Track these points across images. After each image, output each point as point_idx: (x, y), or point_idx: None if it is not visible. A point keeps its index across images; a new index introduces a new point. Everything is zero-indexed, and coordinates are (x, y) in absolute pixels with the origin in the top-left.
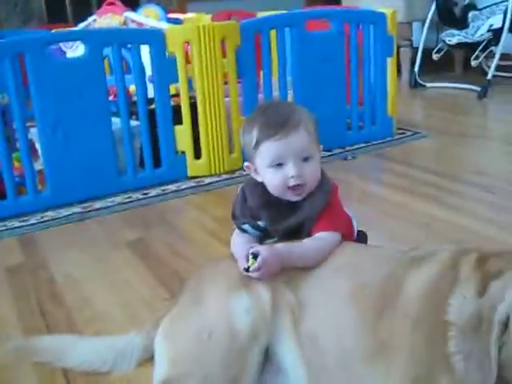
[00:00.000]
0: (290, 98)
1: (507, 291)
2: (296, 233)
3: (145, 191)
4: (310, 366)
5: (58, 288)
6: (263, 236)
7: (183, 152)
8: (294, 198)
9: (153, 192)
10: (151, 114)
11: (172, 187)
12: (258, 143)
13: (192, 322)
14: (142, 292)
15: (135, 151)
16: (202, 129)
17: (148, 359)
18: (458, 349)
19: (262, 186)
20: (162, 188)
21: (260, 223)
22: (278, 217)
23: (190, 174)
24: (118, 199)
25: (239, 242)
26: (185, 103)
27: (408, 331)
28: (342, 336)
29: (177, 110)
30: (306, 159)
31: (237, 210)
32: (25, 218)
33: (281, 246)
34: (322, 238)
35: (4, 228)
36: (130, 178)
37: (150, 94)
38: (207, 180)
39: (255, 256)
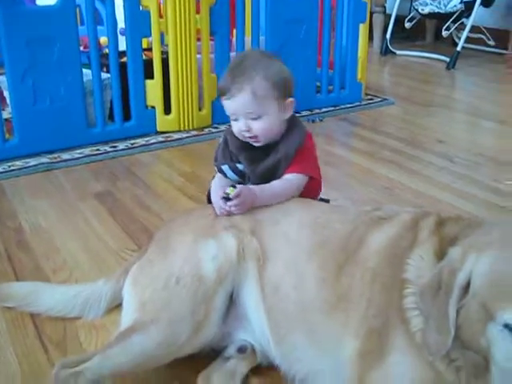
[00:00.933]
0: None
1: (466, 258)
2: (271, 175)
3: (113, 144)
4: (271, 314)
5: (26, 236)
6: (241, 182)
7: (153, 107)
8: (255, 144)
9: (121, 145)
10: (122, 67)
11: (141, 141)
12: (219, 95)
13: (160, 269)
14: (109, 242)
15: (105, 104)
16: (172, 84)
17: (115, 307)
18: (414, 306)
19: None
20: (131, 142)
21: (239, 166)
22: (256, 159)
23: (159, 128)
24: (86, 151)
25: (218, 185)
26: (157, 58)
27: (367, 285)
28: (303, 287)
29: (148, 65)
30: (254, 118)
31: (218, 153)
32: None
33: (253, 186)
34: (290, 179)
35: None
36: (98, 130)
37: (121, 46)
38: (176, 136)
39: (233, 186)
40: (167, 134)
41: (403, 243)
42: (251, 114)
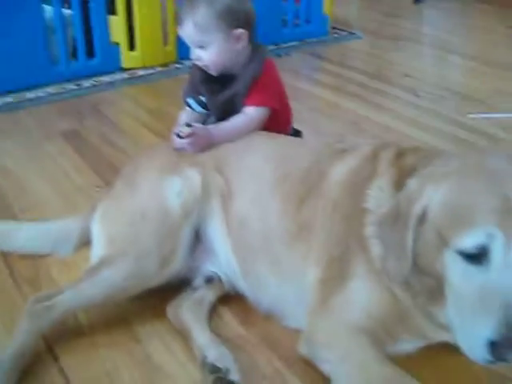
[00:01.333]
0: None
1: (424, 188)
2: (230, 107)
3: (78, 82)
4: (237, 247)
5: None
6: (206, 115)
7: (117, 43)
8: (211, 73)
9: (86, 83)
10: (84, 3)
11: (105, 79)
12: None
13: (126, 205)
14: (76, 180)
15: (68, 41)
16: (136, 19)
17: (86, 244)
18: (374, 234)
19: None
20: (96, 79)
21: (202, 98)
22: (215, 90)
23: (123, 65)
24: (50, 90)
25: (182, 119)
26: None
27: (327, 215)
28: (267, 219)
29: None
30: (201, 47)
31: (185, 86)
32: None
33: (211, 125)
34: (248, 113)
35: None
36: (62, 68)
37: None
38: (141, 72)
39: (189, 125)
40: (132, 71)
41: (363, 174)
42: (196, 44)
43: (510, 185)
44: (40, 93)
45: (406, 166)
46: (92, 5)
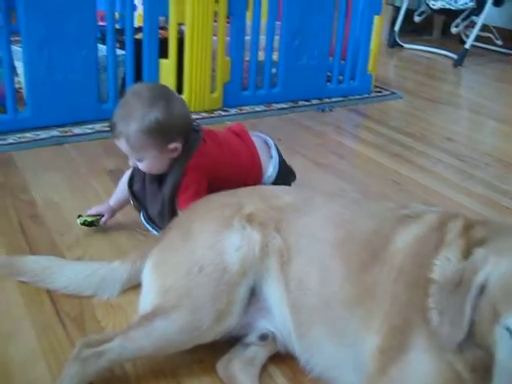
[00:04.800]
0: (275, 43)
1: (489, 259)
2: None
3: None
4: (294, 308)
5: (39, 210)
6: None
7: None
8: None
9: None
10: (137, 45)
11: None
12: None
13: (183, 256)
14: (121, 220)
15: (117, 80)
16: (186, 65)
17: (131, 288)
18: (436, 305)
19: None
20: None
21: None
22: (154, 191)
23: None
24: (97, 127)
25: (121, 188)
26: (173, 37)
27: (391, 283)
28: (326, 282)
29: (162, 44)
30: (137, 159)
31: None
32: (2, 137)
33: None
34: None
35: None
36: (110, 106)
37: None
38: None
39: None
40: None
41: (430, 243)
42: (131, 155)
43: None
44: (87, 129)
45: (474, 238)
46: (145, 47)
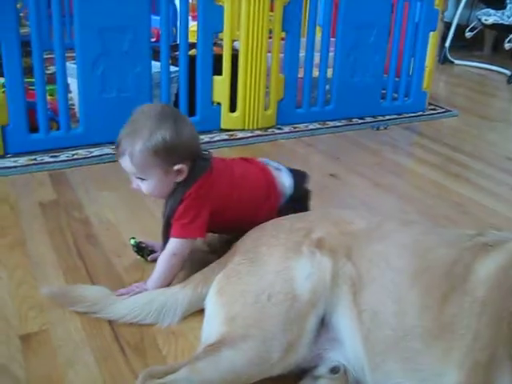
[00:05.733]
0: (330, 60)
1: None
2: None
3: None
4: (367, 340)
5: (94, 230)
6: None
7: (219, 103)
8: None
9: None
10: (191, 61)
11: (205, 138)
12: None
13: (250, 283)
14: None
15: (170, 97)
16: (240, 82)
17: (191, 314)
18: None
19: None
20: None
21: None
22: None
23: (223, 126)
24: None
25: None
26: (227, 54)
27: (474, 316)
28: (404, 313)
29: (216, 60)
30: (140, 179)
31: None
32: (55, 154)
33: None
34: (170, 248)
35: (34, 162)
36: None
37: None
38: (240, 134)
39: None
40: (231, 132)
41: None
42: (135, 176)
43: None
44: None
45: None
46: (199, 63)
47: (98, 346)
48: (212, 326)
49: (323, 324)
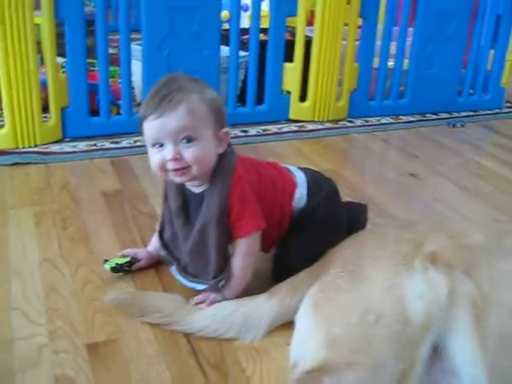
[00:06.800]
0: (407, 50)
1: None
2: (203, 237)
3: (244, 128)
4: (492, 369)
5: None
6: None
7: (288, 92)
8: (177, 180)
9: (252, 130)
10: (261, 47)
11: (273, 128)
12: (140, 122)
13: (352, 300)
14: None
15: (238, 83)
16: (312, 70)
17: (276, 328)
18: None
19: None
20: (262, 128)
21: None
22: (187, 221)
23: (291, 116)
24: None
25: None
26: (300, 40)
27: None
28: None
29: (288, 47)
30: (188, 141)
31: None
32: (116, 140)
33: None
34: (243, 249)
35: (94, 148)
36: (229, 111)
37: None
38: (309, 126)
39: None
40: (300, 123)
41: None
42: (185, 136)
43: None
44: None
45: None
46: (270, 49)
47: (174, 361)
48: (306, 348)
49: (436, 352)
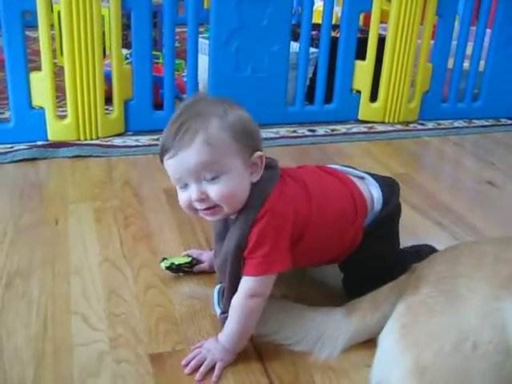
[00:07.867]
0: (483, 53)
1: None
2: (224, 267)
3: (311, 127)
4: None
5: None
6: None
7: (358, 91)
8: (210, 219)
9: (320, 130)
10: (332, 44)
11: (341, 128)
12: (160, 156)
13: (447, 324)
14: None
15: (306, 81)
16: (385, 69)
17: (352, 347)
18: None
19: None
20: (331, 127)
21: None
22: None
23: (360, 116)
24: (282, 131)
25: None
26: (373, 36)
27: None
28: None
29: (359, 44)
30: (212, 177)
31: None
32: None
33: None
34: (240, 289)
35: (157, 142)
36: (297, 109)
37: None
38: (379, 127)
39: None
40: (369, 124)
41: None
42: (206, 173)
43: None
44: (271, 133)
45: None
46: (341, 46)
47: (244, 379)
48: (392, 373)
49: None
